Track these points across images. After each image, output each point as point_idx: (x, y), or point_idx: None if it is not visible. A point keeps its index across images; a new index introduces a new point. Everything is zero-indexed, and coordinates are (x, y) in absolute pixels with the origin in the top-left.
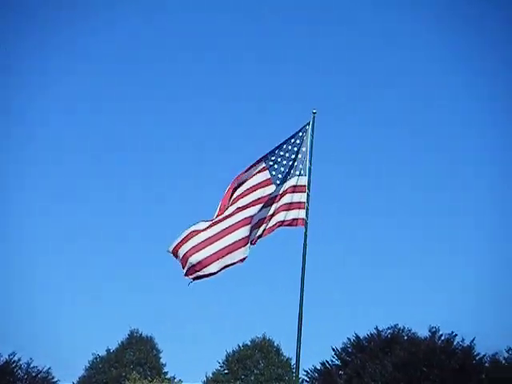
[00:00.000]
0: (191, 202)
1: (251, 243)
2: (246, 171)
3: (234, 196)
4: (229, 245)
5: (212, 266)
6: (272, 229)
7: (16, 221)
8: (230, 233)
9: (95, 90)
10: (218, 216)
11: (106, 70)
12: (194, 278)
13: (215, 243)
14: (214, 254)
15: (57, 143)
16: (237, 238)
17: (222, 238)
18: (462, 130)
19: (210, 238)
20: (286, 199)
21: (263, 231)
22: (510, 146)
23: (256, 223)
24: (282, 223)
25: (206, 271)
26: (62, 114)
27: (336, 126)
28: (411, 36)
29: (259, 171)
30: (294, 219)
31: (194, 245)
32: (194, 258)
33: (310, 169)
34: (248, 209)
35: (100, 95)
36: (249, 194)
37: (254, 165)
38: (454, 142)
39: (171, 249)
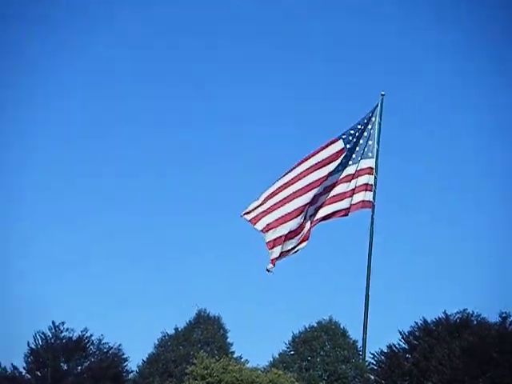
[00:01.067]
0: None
1: (321, 220)
2: (321, 149)
3: (306, 167)
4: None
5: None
6: (342, 214)
7: None
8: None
9: None
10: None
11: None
12: (276, 258)
13: (295, 218)
14: (292, 230)
15: None
16: (303, 218)
17: (300, 212)
18: None
19: (289, 212)
20: (356, 182)
21: (333, 213)
22: None
23: (324, 202)
24: (349, 208)
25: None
26: None
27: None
28: None
29: (338, 151)
30: (360, 201)
31: (275, 218)
32: (277, 231)
33: (377, 151)
34: (319, 187)
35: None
36: (321, 166)
37: (330, 144)
38: None
39: (249, 217)
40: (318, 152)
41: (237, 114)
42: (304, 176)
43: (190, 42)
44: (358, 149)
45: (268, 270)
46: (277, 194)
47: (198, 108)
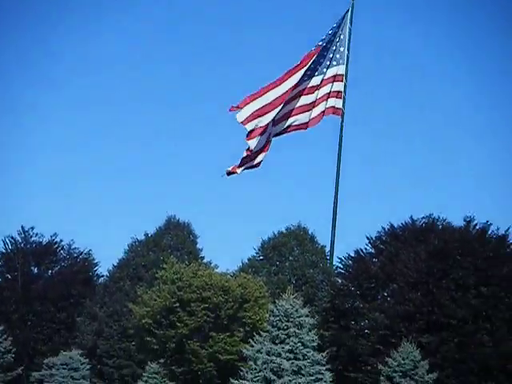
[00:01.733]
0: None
1: (288, 130)
2: (293, 70)
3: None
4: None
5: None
6: (317, 120)
7: None
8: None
9: None
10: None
11: None
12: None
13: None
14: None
15: None
16: (291, 107)
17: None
18: None
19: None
20: (326, 89)
21: (307, 122)
22: None
23: (295, 110)
24: (322, 114)
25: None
26: None
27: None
28: None
29: (300, 69)
30: (330, 107)
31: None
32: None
33: (347, 57)
34: (297, 98)
35: None
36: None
37: (296, 66)
38: None
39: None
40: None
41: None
42: (282, 82)
43: None
44: (324, 59)
45: (224, 175)
46: (261, 96)
47: None
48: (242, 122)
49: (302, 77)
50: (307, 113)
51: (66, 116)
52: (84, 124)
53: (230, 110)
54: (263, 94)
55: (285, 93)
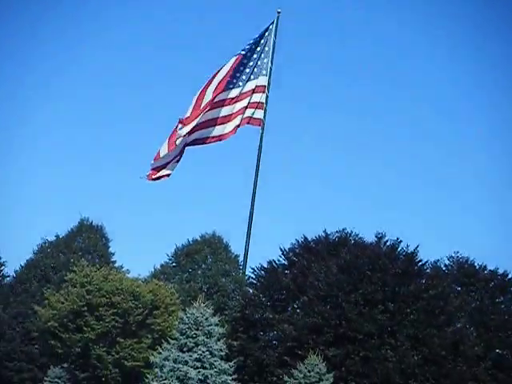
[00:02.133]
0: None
1: (206, 142)
2: (211, 79)
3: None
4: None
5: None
6: (233, 132)
7: None
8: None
9: None
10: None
11: None
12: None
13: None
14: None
15: None
16: (212, 116)
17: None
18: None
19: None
20: (244, 102)
21: (222, 134)
22: None
23: (214, 120)
24: (237, 126)
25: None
26: None
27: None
28: None
29: (224, 78)
30: (250, 118)
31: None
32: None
33: (270, 69)
34: (214, 110)
35: None
36: (215, 96)
37: (218, 72)
38: None
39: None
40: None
41: None
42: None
43: None
44: (253, 65)
45: (141, 177)
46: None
47: None
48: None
49: (223, 86)
50: (224, 125)
51: None
52: None
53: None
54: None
55: (207, 102)
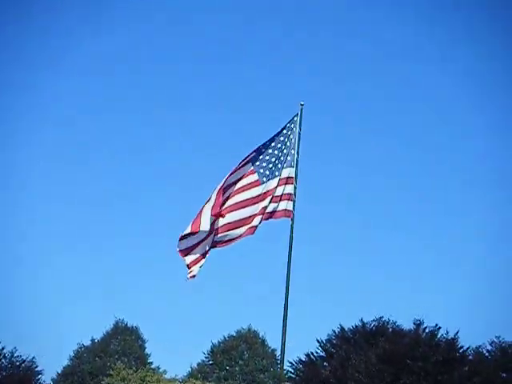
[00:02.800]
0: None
1: (241, 237)
2: (232, 173)
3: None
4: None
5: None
6: (262, 220)
7: None
8: (226, 231)
9: None
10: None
11: None
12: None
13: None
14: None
15: None
16: (233, 236)
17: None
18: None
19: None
20: (276, 193)
21: (252, 227)
22: None
23: (243, 220)
24: (270, 215)
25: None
26: None
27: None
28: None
29: (247, 174)
30: (280, 210)
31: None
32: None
33: (297, 160)
34: (238, 210)
35: None
36: (238, 194)
37: (241, 167)
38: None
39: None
40: (233, 176)
41: None
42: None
43: None
44: (275, 166)
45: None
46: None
47: None
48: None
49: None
50: (259, 216)
51: None
52: None
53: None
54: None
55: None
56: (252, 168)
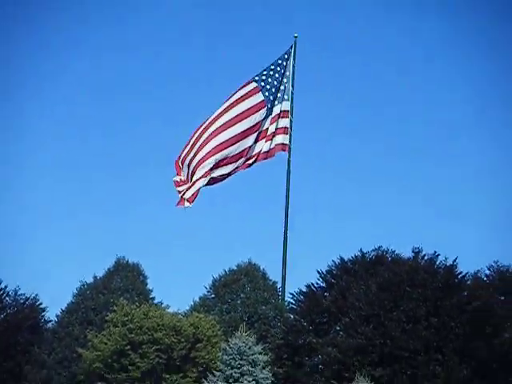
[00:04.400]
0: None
1: (237, 169)
2: (236, 92)
3: (224, 107)
4: (232, 155)
5: (219, 169)
6: (258, 159)
7: None
8: (230, 145)
9: None
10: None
11: None
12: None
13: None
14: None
15: None
16: (238, 148)
17: (223, 148)
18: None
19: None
20: (272, 128)
21: (252, 160)
22: None
23: (244, 151)
24: (267, 153)
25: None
26: None
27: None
28: None
29: (252, 92)
30: (277, 144)
31: (193, 153)
32: (194, 162)
33: (292, 93)
34: (247, 137)
35: None
36: (244, 117)
37: (245, 85)
38: None
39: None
40: (233, 94)
41: None
42: (222, 115)
43: None
44: (279, 95)
45: (185, 208)
46: (196, 136)
47: None
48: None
49: (244, 116)
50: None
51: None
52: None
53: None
54: (190, 142)
55: (216, 129)
56: (256, 85)
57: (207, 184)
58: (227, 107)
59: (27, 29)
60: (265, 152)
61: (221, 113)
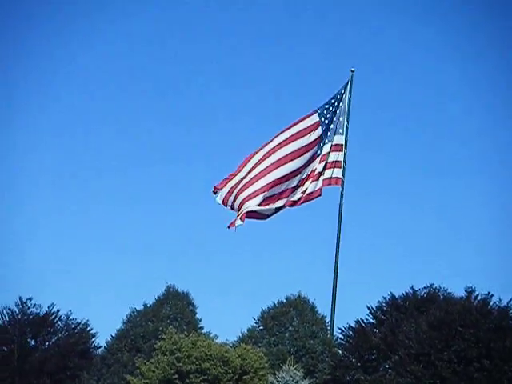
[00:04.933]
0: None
1: (292, 205)
2: (298, 122)
3: (282, 139)
4: (281, 191)
5: (265, 206)
6: (311, 197)
7: None
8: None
9: None
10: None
11: None
12: (243, 217)
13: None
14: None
15: None
16: (286, 187)
17: (273, 181)
18: None
19: (260, 178)
20: (320, 167)
21: (303, 197)
22: None
23: (299, 181)
24: (312, 194)
25: (258, 209)
26: None
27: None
28: None
29: (314, 126)
30: (330, 178)
31: (243, 184)
32: (243, 196)
33: (347, 127)
34: (297, 159)
35: None
36: (297, 138)
37: (307, 117)
38: None
39: (217, 189)
40: (294, 125)
41: None
42: (280, 148)
43: None
44: (332, 126)
45: (233, 227)
46: (251, 167)
47: None
48: (222, 203)
49: (298, 153)
50: (310, 184)
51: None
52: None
53: (213, 192)
54: (241, 169)
55: (273, 163)
56: (318, 120)
57: (250, 217)
58: (287, 139)
59: (30, 24)
60: (310, 192)
61: (280, 144)
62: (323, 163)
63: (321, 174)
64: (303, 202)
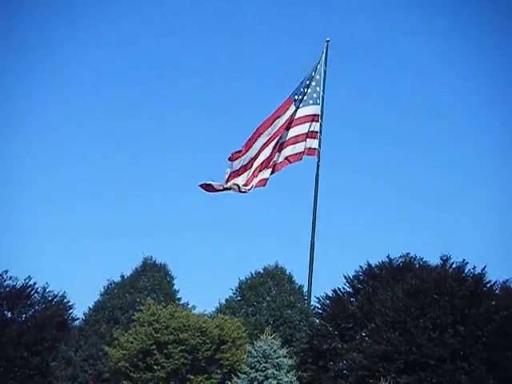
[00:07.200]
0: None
1: (272, 172)
2: (276, 111)
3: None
4: (258, 165)
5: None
6: (286, 163)
7: None
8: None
9: None
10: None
11: None
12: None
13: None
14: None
15: None
16: (262, 161)
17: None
18: None
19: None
20: (301, 129)
21: (276, 164)
22: None
23: (274, 149)
24: (295, 156)
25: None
26: None
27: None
28: None
29: (289, 109)
30: (307, 149)
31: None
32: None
33: (322, 98)
34: (276, 138)
35: None
36: (274, 120)
37: (285, 104)
38: None
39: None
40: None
41: None
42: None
43: None
44: (305, 98)
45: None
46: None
47: None
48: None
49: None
50: (301, 143)
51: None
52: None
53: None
54: (247, 151)
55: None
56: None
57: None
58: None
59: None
60: (298, 153)
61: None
62: (307, 125)
63: (306, 136)
64: (290, 163)
